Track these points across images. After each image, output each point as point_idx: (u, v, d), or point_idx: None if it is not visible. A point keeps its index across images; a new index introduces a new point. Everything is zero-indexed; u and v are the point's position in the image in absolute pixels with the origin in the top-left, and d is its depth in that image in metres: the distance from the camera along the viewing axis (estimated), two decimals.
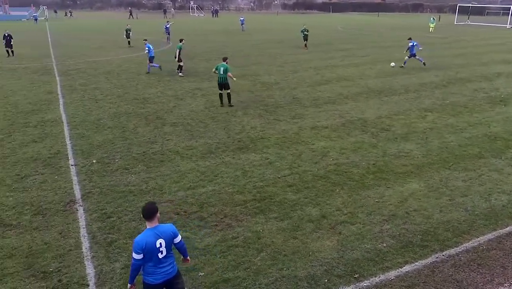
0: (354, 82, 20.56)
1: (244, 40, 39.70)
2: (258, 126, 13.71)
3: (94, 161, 10.81)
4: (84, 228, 7.79)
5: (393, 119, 14.54)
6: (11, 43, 28.28)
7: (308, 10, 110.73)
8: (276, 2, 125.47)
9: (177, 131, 13.18)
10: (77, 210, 8.43)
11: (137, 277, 4.98)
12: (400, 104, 16.49)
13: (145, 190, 9.26)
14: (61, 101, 16.84)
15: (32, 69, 24.01)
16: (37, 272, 6.56)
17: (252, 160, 10.94)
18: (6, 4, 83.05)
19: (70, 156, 11.20)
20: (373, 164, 10.66)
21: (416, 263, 6.78)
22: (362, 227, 7.80)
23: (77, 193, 9.13)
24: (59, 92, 18.39)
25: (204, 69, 23.54)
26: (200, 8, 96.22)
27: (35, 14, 68.04)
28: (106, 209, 8.45)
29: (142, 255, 4.76)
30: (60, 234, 7.59)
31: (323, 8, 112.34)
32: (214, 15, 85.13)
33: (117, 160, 10.90)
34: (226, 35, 44.97)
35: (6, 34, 28.06)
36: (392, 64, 25.09)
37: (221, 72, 15.71)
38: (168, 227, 5.01)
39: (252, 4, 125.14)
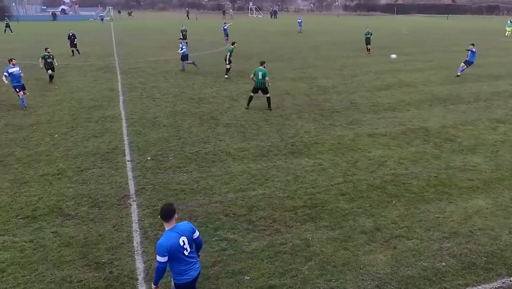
0: (417, 89, 19.76)
1: (302, 42, 39.58)
2: (312, 130, 13.59)
3: (148, 158, 11.28)
4: (136, 223, 8.15)
5: (459, 129, 13.78)
6: (75, 42, 30.09)
7: (370, 12, 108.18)
8: (337, 3, 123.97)
9: (230, 132, 13.40)
10: (131, 205, 8.83)
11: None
12: (468, 114, 15.60)
13: (196, 189, 9.50)
14: (121, 98, 17.76)
15: (97, 67, 25.55)
16: (91, 262, 6.95)
17: (304, 165, 10.86)
18: (76, 4, 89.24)
19: (126, 151, 11.77)
20: (435, 177, 10.16)
21: (479, 287, 6.37)
22: (419, 243, 7.46)
23: (131, 188, 9.57)
24: (119, 89, 19.40)
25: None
26: (259, 9, 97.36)
27: (101, 14, 72.45)
28: (158, 205, 8.76)
29: (166, 257, 4.89)
30: (114, 227, 7.99)
31: (387, 9, 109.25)
32: (273, 16, 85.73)
33: (170, 158, 11.29)
34: (284, 36, 45.09)
35: (71, 34, 29.91)
36: (393, 56, 23.97)
37: (260, 77, 15.75)
38: (186, 224, 5.18)
39: (312, 5, 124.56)
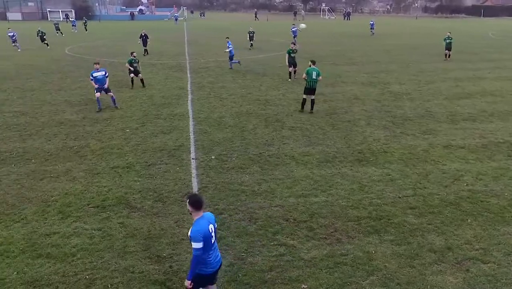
0: (503, 98, 18.34)
1: (375, 45, 38.45)
2: (381, 138, 13.15)
3: (212, 157, 11.59)
4: None
5: None
6: (147, 42, 31.52)
7: (454, 14, 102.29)
8: (416, 4, 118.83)
9: (295, 135, 13.37)
10: None
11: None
12: None
13: (257, 191, 9.59)
14: (189, 97, 18.44)
15: (168, 65, 26.79)
16: (153, 254, 7.29)
17: (371, 174, 10.53)
18: (153, 5, 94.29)
19: (192, 149, 12.20)
20: None
21: None
22: (496, 268, 6.91)
23: (195, 186, 9.89)
24: (188, 88, 20.17)
25: (328, 74, 23.44)
26: (331, 10, 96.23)
27: (176, 15, 75.79)
28: (219, 205, 8.98)
29: (202, 243, 5.04)
30: (176, 222, 8.31)
31: (473, 12, 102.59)
32: (346, 17, 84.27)
33: (234, 158, 11.51)
34: (356, 38, 44.13)
35: (143, 34, 31.46)
36: (302, 25, 22.22)
37: (313, 77, 15.48)
38: (210, 213, 5.46)
39: (388, 6, 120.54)
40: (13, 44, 34.16)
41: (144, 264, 7.02)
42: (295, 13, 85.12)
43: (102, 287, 6.49)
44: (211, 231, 5.20)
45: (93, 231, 7.97)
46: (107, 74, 16.37)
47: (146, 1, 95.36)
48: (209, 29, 55.67)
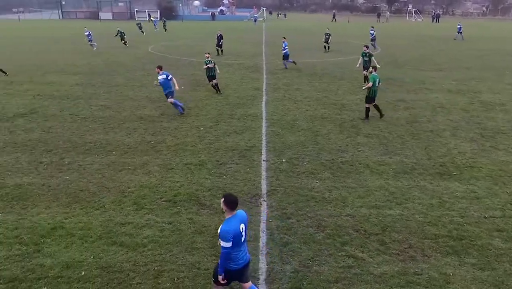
0: None
1: (466, 49, 36.06)
2: (468, 152, 12.29)
3: (283, 160, 11.62)
4: (264, 223, 8.48)
5: None
6: (221, 42, 32.31)
7: None
8: None
9: (371, 143, 12.97)
10: (261, 205, 9.22)
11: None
12: None
13: (328, 198, 9.44)
14: (264, 98, 18.67)
15: (245, 66, 27.35)
16: (218, 253, 7.46)
17: (454, 189, 9.88)
18: (233, 5, 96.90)
19: (263, 151, 12.34)
20: None
21: None
22: None
23: (263, 188, 9.98)
24: (263, 89, 20.43)
25: (412, 80, 22.42)
26: (418, 12, 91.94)
27: (255, 15, 77.24)
28: (287, 209, 8.97)
29: (231, 242, 5.27)
30: None
31: None
32: (435, 20, 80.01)
33: (305, 163, 11.44)
34: (444, 42, 41.70)
35: (218, 35, 32.40)
36: (196, 2, 19.52)
37: (378, 84, 14.96)
38: (243, 212, 5.61)
39: (484, 8, 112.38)
40: (89, 43, 35.64)
41: (210, 262, 7.23)
42: (378, 15, 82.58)
43: (169, 280, 6.79)
44: (241, 230, 5.41)
45: (164, 224, 8.36)
46: (169, 76, 15.58)
47: (227, 2, 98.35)
48: (289, 30, 55.94)
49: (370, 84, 14.85)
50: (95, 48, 35.21)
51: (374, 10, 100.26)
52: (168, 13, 79.26)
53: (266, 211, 8.93)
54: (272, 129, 14.28)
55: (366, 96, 15.30)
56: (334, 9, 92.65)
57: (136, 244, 7.71)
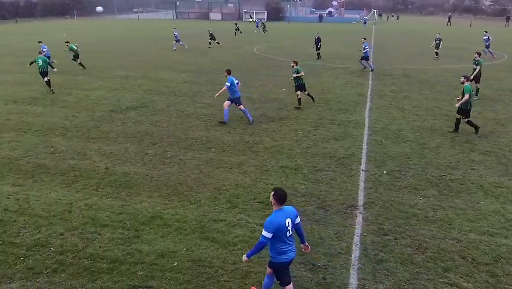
0: None
1: None
2: None
3: (384, 172, 11.17)
4: (358, 236, 8.23)
5: None
6: (319, 46, 31.55)
7: None
8: None
9: (488, 161, 11.87)
10: (356, 216, 8.97)
11: None
12: None
13: (431, 218, 8.86)
14: (367, 105, 18.13)
15: (350, 70, 26.84)
16: (307, 262, 7.44)
17: None
18: (342, 7, 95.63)
19: (363, 160, 11.98)
20: None
21: None
22: None
23: (360, 199, 9.70)
24: (368, 95, 19.84)
25: None
26: None
27: (365, 18, 75.39)
28: (384, 225, 8.61)
29: (272, 234, 5.60)
30: (335, 234, 8.30)
31: None
32: None
33: (408, 177, 10.87)
34: None
35: (316, 38, 31.86)
36: (98, 8, 15.62)
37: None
38: (291, 208, 5.92)
39: None
40: (179, 43, 37.04)
41: (297, 269, 7.22)
42: (507, 18, 75.09)
43: (255, 282, 6.93)
44: (287, 225, 5.70)
45: (255, 225, 8.55)
46: (235, 82, 15.31)
47: (335, 3, 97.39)
48: (401, 34, 53.69)
49: (467, 96, 13.68)
50: (174, 48, 36.57)
51: (502, 13, 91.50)
52: (276, 14, 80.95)
53: (361, 224, 8.67)
54: (374, 138, 13.80)
55: (461, 109, 14.09)
56: (454, 11, 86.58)
57: (227, 242, 7.99)
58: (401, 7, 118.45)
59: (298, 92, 17.37)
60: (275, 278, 6.21)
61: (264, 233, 5.63)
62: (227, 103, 15.51)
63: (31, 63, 20.57)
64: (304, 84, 17.48)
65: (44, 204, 9.47)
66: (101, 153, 12.59)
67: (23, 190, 10.17)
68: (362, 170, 11.34)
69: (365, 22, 71.29)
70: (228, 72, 15.38)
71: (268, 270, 6.19)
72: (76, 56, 26.87)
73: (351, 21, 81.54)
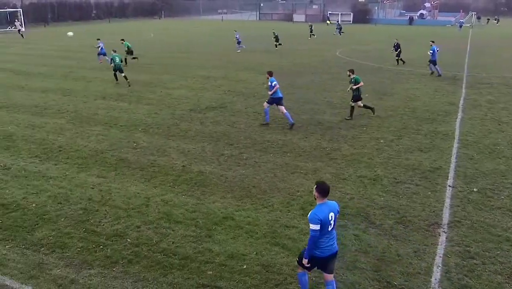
0: None
1: None
2: None
3: (475, 189, 10.44)
4: (440, 257, 7.77)
5: None
6: (398, 51, 29.92)
7: None
8: None
9: None
10: (439, 235, 8.48)
11: None
12: None
13: None
14: (459, 115, 17.07)
15: (441, 77, 25.43)
16: (382, 279, 7.16)
17: None
18: (436, 9, 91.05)
19: (450, 175, 11.30)
20: None
21: None
22: None
23: (445, 217, 9.15)
24: (460, 105, 18.68)
25: None
26: None
27: (461, 20, 71.10)
28: (472, 247, 8.04)
29: (319, 226, 5.75)
30: (415, 252, 7.90)
31: None
32: None
33: (502, 197, 10.06)
34: None
35: (395, 44, 30.31)
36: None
37: None
38: (334, 203, 6.08)
39: None
40: (238, 46, 37.59)
41: (371, 286, 6.98)
42: None
43: None
44: (330, 219, 5.88)
45: None
46: (273, 83, 15.15)
47: (429, 5, 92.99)
48: (501, 39, 49.93)
49: None
50: (238, 50, 37.16)
51: None
52: (362, 16, 79.20)
53: (444, 244, 8.17)
54: (464, 152, 12.96)
55: None
56: None
57: (298, 250, 7.93)
58: (504, 9, 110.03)
59: (359, 102, 16.24)
60: (306, 274, 6.49)
61: (312, 226, 5.80)
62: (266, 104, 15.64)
63: (111, 61, 22.91)
64: (360, 95, 16.27)
65: (124, 196, 10.12)
66: (179, 150, 13.16)
67: (106, 181, 10.95)
68: (449, 186, 10.69)
69: (460, 26, 67.19)
70: (270, 73, 15.37)
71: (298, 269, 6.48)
72: (130, 53, 29.27)
73: (444, 24, 77.37)
